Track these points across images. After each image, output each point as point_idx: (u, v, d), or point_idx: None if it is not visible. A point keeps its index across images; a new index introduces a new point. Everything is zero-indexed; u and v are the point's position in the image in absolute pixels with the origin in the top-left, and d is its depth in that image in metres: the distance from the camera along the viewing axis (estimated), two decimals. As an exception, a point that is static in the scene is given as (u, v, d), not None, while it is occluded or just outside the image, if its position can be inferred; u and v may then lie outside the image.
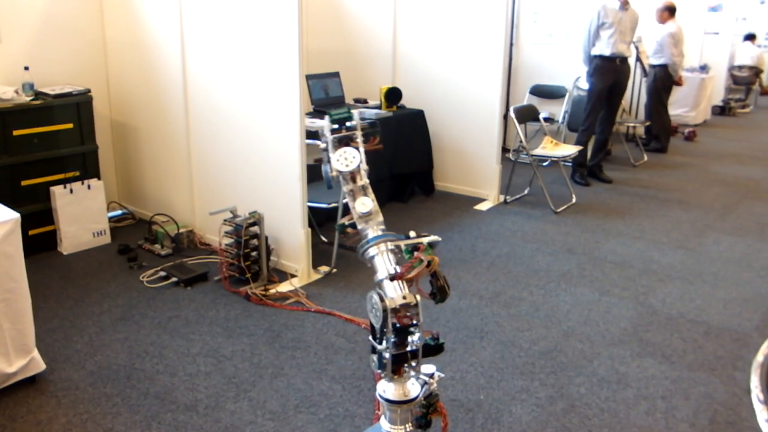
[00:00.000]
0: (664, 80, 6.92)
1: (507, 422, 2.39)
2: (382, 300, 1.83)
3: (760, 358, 1.13)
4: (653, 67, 6.95)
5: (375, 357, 1.96)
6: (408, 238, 1.90)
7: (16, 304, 2.40)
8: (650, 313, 3.27)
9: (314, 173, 3.73)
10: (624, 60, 5.48)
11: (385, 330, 1.89)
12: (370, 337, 1.96)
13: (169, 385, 2.59)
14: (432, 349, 1.99)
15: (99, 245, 4.04)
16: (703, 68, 8.98)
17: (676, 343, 2.97)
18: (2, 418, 2.35)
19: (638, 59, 7.03)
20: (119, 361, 2.75)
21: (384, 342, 1.93)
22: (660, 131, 7.16)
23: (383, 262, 1.91)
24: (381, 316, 1.87)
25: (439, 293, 1.89)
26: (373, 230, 1.98)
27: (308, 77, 4.77)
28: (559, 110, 6.48)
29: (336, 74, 5.06)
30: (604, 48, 5.38)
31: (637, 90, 7.64)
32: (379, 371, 1.98)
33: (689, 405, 2.50)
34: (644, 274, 3.75)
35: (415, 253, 1.86)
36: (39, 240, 3.86)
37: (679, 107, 8.72)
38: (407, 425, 2.09)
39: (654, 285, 3.61)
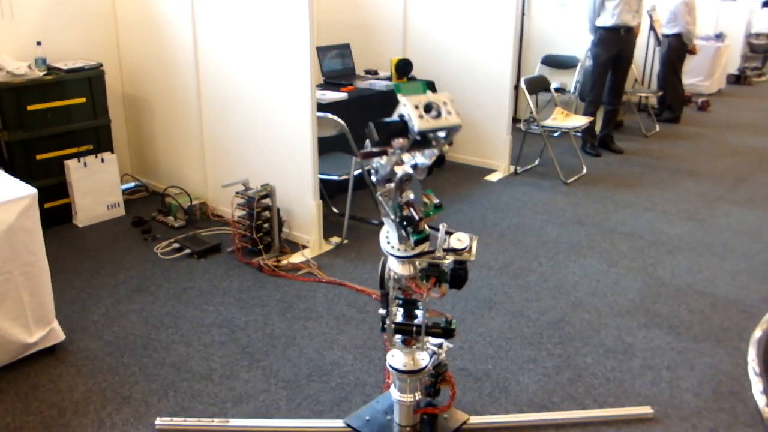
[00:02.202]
0: (678, 50, 6.84)
1: (514, 391, 2.44)
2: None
3: (758, 333, 1.16)
4: (667, 36, 6.86)
5: (383, 316, 2.00)
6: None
7: (36, 277, 2.46)
8: (658, 284, 3.30)
9: (326, 145, 3.76)
10: (629, 29, 5.45)
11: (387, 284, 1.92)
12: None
13: (184, 354, 2.66)
14: (444, 332, 2.02)
15: (113, 217, 4.10)
16: (719, 36, 8.83)
17: (683, 315, 3.00)
18: (25, 387, 2.43)
19: (651, 28, 6.94)
20: (136, 332, 2.83)
21: (391, 310, 1.99)
22: (673, 101, 7.09)
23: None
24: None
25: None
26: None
27: (319, 49, 4.76)
28: (570, 80, 6.43)
29: (347, 46, 5.05)
30: (608, 19, 5.36)
31: (650, 60, 7.54)
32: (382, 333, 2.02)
33: (694, 375, 2.54)
34: (653, 246, 3.77)
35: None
36: (54, 213, 3.92)
37: (693, 76, 8.60)
38: (416, 394, 2.15)
39: (663, 256, 3.62)
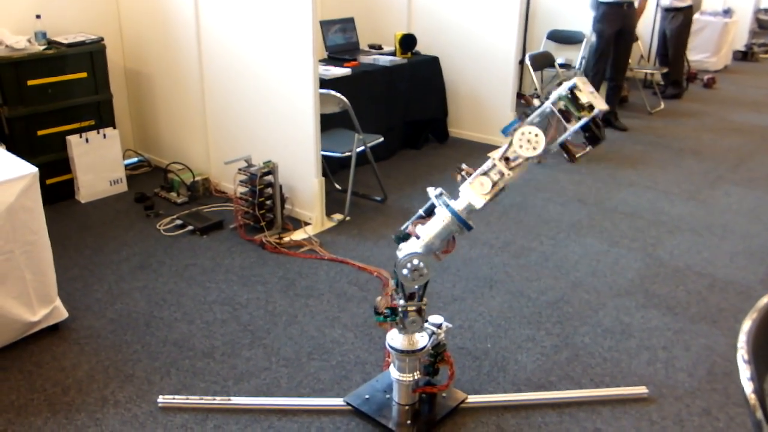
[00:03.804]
0: (689, 23, 6.79)
1: (512, 370, 2.48)
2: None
3: (748, 321, 1.17)
4: (679, 9, 6.76)
5: (405, 315, 2.06)
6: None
7: (38, 255, 2.48)
8: (657, 264, 3.31)
9: (328, 122, 3.75)
10: (630, 4, 5.48)
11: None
12: (399, 300, 2.06)
13: (186, 332, 2.69)
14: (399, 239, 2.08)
15: (116, 193, 4.11)
16: (727, 12, 8.71)
17: (681, 295, 3.02)
18: (29, 365, 2.47)
19: (658, 3, 6.86)
20: (138, 309, 2.85)
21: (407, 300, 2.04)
22: (680, 76, 7.05)
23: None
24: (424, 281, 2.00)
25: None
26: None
27: (322, 23, 4.72)
28: (576, 56, 6.37)
29: (351, 20, 5.01)
30: None
31: (657, 36, 7.45)
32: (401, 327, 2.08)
33: (689, 356, 2.57)
34: (653, 226, 3.77)
35: None
36: (57, 189, 3.93)
37: (699, 53, 8.51)
38: (415, 373, 2.18)
39: (663, 236, 3.63)
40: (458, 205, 1.96)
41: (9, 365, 2.46)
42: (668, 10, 6.84)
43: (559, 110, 1.88)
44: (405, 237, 2.03)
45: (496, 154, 1.90)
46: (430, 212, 2.03)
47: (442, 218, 1.98)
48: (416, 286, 2.05)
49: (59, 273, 2.65)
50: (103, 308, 2.86)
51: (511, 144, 1.89)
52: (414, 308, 2.06)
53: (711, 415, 2.25)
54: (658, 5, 6.86)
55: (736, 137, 5.65)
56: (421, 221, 2.02)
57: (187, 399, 2.28)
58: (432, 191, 2.03)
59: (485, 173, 1.92)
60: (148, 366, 2.47)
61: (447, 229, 1.98)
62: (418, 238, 1.99)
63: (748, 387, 1.08)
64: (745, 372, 1.09)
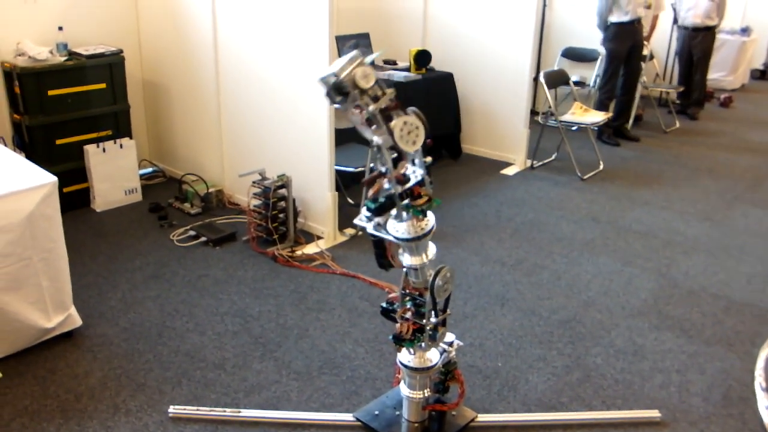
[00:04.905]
0: (714, 42, 6.79)
1: (523, 390, 2.46)
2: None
3: (766, 349, 1.16)
4: (708, 29, 6.70)
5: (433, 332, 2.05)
6: None
7: (55, 263, 2.51)
8: (671, 285, 3.29)
9: (342, 136, 3.76)
10: (639, 20, 5.55)
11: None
12: (431, 317, 2.04)
13: (198, 343, 2.70)
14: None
15: (131, 203, 4.15)
16: (745, 30, 8.68)
17: (696, 317, 2.99)
18: (42, 371, 2.49)
19: (675, 21, 6.85)
20: (151, 319, 2.87)
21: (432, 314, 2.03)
22: (704, 95, 7.06)
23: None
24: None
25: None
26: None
27: (338, 38, 4.75)
28: (590, 74, 6.37)
29: (366, 35, 5.03)
30: (622, 15, 5.48)
31: (672, 54, 7.43)
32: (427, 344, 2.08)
33: (704, 380, 2.54)
34: (668, 246, 3.75)
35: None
36: (73, 197, 3.97)
37: (716, 71, 8.46)
38: (426, 391, 2.17)
39: (677, 257, 3.61)
40: None
41: (24, 370, 2.48)
42: (697, 30, 6.68)
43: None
44: (381, 207, 1.88)
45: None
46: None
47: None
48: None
49: (74, 279, 2.68)
50: (117, 317, 2.88)
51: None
52: (441, 321, 2.05)
53: (725, 440, 2.22)
54: (675, 23, 6.84)
55: (753, 157, 5.61)
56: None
57: (198, 410, 2.28)
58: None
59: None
60: (160, 375, 2.48)
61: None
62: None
63: (767, 416, 1.06)
64: (763, 400, 1.08)
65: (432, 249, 2.01)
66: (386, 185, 1.87)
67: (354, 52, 1.78)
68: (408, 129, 1.80)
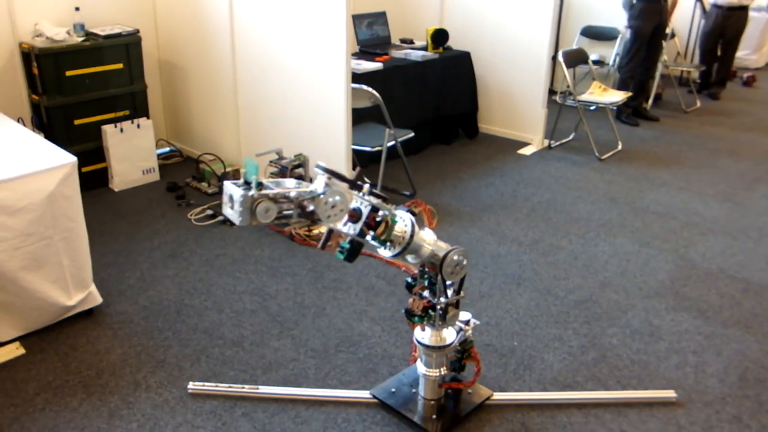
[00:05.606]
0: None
1: (539, 369, 2.47)
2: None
3: None
4: (743, 8, 6.57)
5: (443, 311, 2.07)
6: None
7: (75, 242, 2.55)
8: (689, 266, 3.27)
9: (359, 116, 3.76)
10: None
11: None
12: (441, 299, 2.06)
13: (216, 321, 2.73)
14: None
15: (148, 182, 4.18)
16: (770, 7, 8.49)
17: (713, 299, 2.97)
18: (65, 347, 2.53)
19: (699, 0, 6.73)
20: (170, 297, 2.91)
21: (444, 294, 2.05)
22: (726, 76, 6.95)
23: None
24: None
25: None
26: None
27: (354, 17, 4.73)
28: (610, 53, 6.29)
29: (383, 14, 5.00)
30: None
31: (694, 32, 7.30)
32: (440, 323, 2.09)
33: (720, 361, 2.53)
34: (686, 227, 3.72)
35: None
36: (92, 177, 4.01)
37: (739, 50, 8.30)
38: (442, 369, 2.19)
39: (695, 238, 3.58)
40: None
41: (46, 347, 2.53)
42: (732, 9, 6.56)
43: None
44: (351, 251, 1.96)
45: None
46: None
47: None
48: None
49: (94, 259, 2.71)
50: (136, 295, 2.92)
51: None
52: (453, 302, 2.06)
53: (742, 422, 2.22)
54: (699, 1, 6.72)
55: (774, 138, 5.53)
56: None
57: (217, 386, 2.32)
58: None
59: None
60: (179, 353, 2.52)
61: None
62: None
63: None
64: None
65: (429, 234, 2.02)
66: (344, 229, 1.89)
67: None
68: (328, 213, 1.83)
